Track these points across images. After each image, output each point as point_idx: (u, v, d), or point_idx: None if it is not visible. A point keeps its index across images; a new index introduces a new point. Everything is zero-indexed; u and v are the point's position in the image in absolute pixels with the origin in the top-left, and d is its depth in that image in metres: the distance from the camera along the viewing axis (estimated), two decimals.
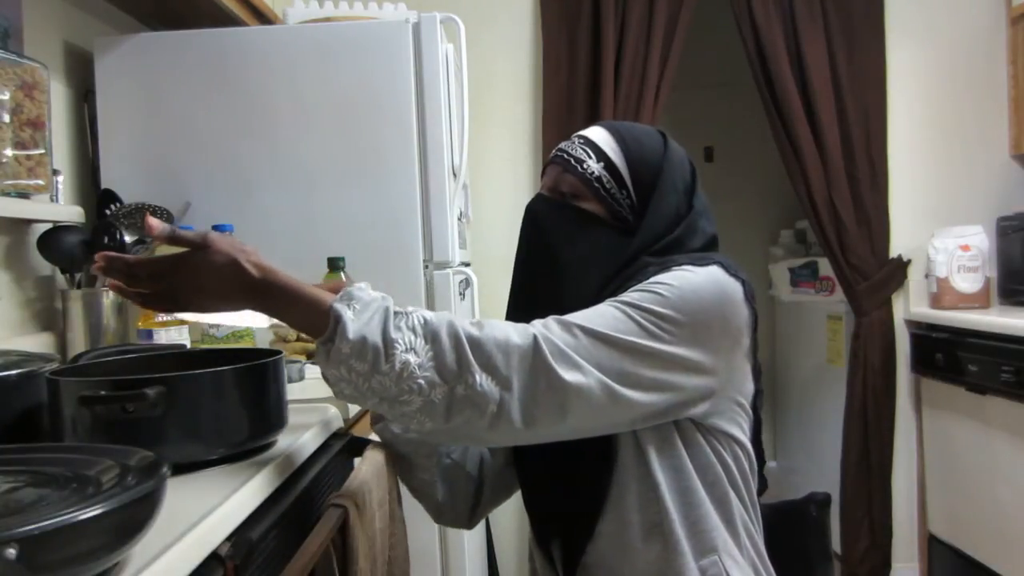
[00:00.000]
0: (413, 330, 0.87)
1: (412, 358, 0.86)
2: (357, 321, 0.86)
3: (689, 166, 1.13)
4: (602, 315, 0.95)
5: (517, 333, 0.91)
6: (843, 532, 2.79)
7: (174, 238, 0.88)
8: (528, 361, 0.89)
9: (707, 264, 1.02)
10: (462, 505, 1.20)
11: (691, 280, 0.99)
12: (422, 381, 0.86)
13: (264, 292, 0.87)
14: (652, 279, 1.00)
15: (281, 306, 0.89)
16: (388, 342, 0.86)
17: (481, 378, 0.87)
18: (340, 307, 0.86)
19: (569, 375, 0.90)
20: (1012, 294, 2.68)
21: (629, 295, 0.98)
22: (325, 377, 0.89)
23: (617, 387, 0.92)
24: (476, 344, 0.88)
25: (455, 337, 0.88)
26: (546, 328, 0.93)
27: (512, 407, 0.89)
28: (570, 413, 0.91)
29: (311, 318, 0.88)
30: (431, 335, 0.88)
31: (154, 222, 0.88)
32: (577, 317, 0.95)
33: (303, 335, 1.64)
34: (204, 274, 0.86)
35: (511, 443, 0.99)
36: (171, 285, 0.87)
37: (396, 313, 0.88)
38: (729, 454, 1.03)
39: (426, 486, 1.17)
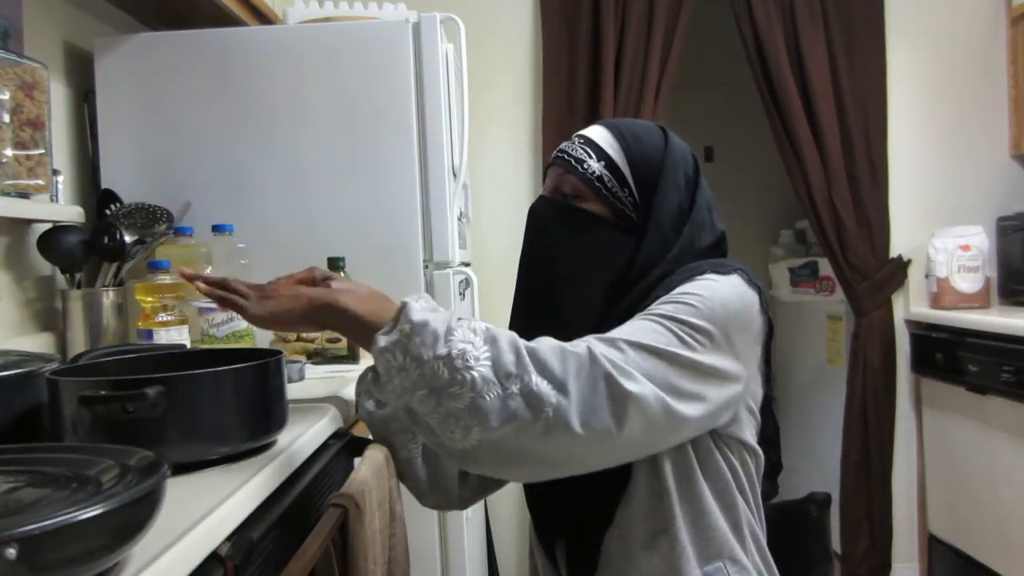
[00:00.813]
0: (474, 331, 0.88)
1: (470, 348, 0.86)
2: (423, 311, 0.88)
3: (692, 160, 1.12)
4: (642, 329, 0.94)
5: (571, 346, 0.90)
6: (843, 532, 2.79)
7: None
8: (586, 369, 0.88)
9: (729, 273, 1.02)
10: (449, 485, 1.18)
11: (718, 290, 0.98)
12: (476, 374, 0.85)
13: (352, 323, 0.94)
14: (679, 289, 0.99)
15: (354, 327, 0.94)
16: (448, 330, 0.87)
17: (537, 379, 0.86)
18: (409, 299, 0.90)
19: (628, 384, 0.88)
20: (1012, 294, 2.68)
21: (661, 307, 0.97)
22: (376, 374, 0.90)
23: (669, 399, 0.90)
24: (532, 351, 0.88)
25: (513, 342, 0.88)
26: (590, 346, 0.91)
27: (570, 412, 0.86)
28: (626, 424, 0.88)
29: (381, 311, 0.92)
30: (490, 338, 0.88)
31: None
32: (619, 333, 0.94)
33: (304, 335, 1.65)
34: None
35: (562, 462, 0.90)
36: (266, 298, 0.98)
37: (460, 318, 0.90)
38: (738, 459, 1.03)
39: (407, 465, 1.16)
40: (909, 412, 2.84)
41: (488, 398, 0.85)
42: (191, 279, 1.03)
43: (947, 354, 2.57)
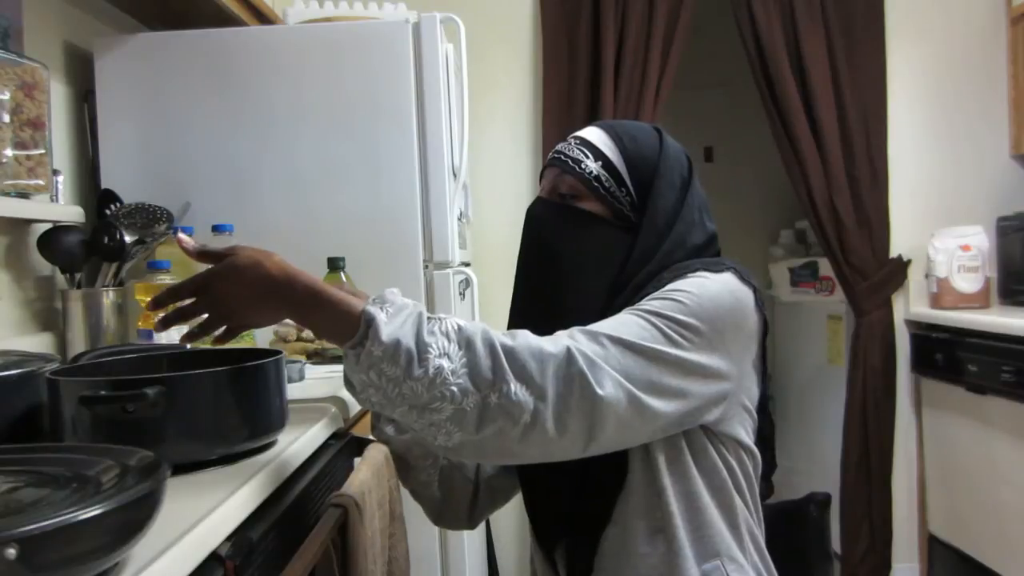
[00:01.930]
0: (447, 335, 0.85)
1: (446, 363, 0.84)
2: (391, 324, 0.84)
3: (687, 161, 1.13)
4: (626, 324, 0.94)
5: (550, 343, 0.89)
6: (843, 532, 2.79)
7: (204, 253, 0.92)
8: (563, 371, 0.87)
9: (722, 271, 1.02)
10: (461, 506, 1.20)
11: (708, 287, 0.98)
12: (455, 388, 0.84)
13: (287, 291, 0.87)
14: (670, 286, 0.99)
15: (307, 308, 0.88)
16: (422, 346, 0.83)
17: (516, 387, 0.85)
18: (373, 310, 0.85)
19: (600, 387, 0.88)
20: (1012, 294, 2.68)
21: (649, 303, 0.97)
22: (350, 383, 0.87)
23: (643, 397, 0.90)
24: (510, 353, 0.86)
25: (489, 345, 0.86)
26: (573, 339, 0.91)
27: (546, 417, 0.86)
28: (599, 425, 0.88)
29: (340, 321, 0.86)
30: (465, 341, 0.86)
31: (184, 237, 0.93)
32: (603, 327, 0.94)
33: (305, 335, 1.65)
34: (233, 279, 0.88)
35: (538, 458, 0.93)
36: (211, 297, 0.89)
37: (429, 318, 0.87)
38: (734, 458, 1.03)
39: (424, 488, 1.18)
40: (909, 412, 2.84)
41: (468, 408, 0.85)
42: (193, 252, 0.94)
43: (947, 354, 2.57)
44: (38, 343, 1.54)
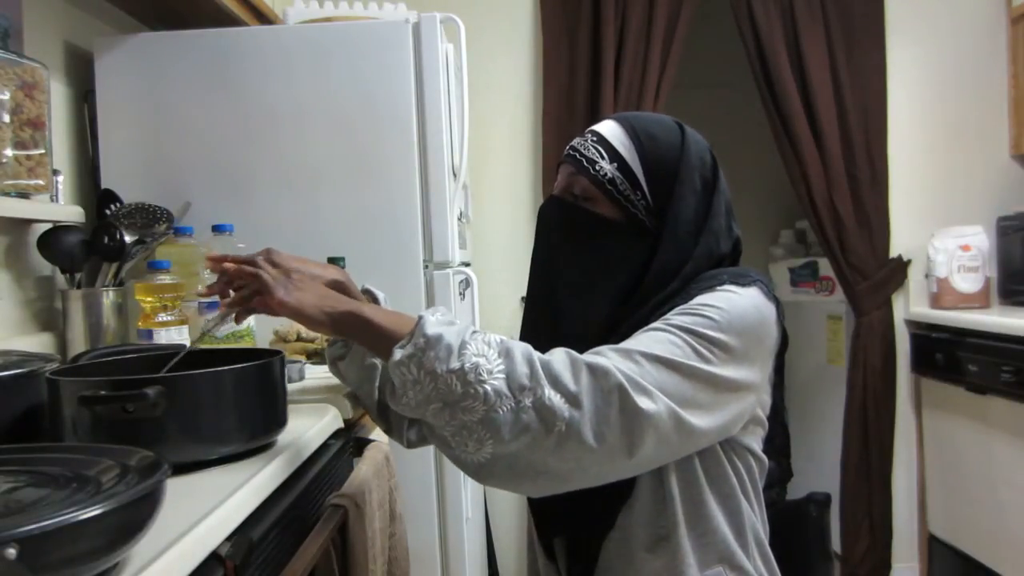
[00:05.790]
0: (488, 344, 0.88)
1: (483, 362, 0.86)
2: (438, 324, 0.89)
3: (710, 159, 1.09)
4: (658, 340, 0.93)
5: (585, 358, 0.90)
6: (843, 532, 2.79)
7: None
8: (599, 382, 0.87)
9: (748, 284, 1.01)
10: (400, 434, 1.20)
11: (737, 303, 0.97)
12: (488, 388, 0.85)
13: (345, 312, 0.95)
14: (697, 300, 0.98)
15: (358, 333, 0.95)
16: (462, 343, 0.87)
17: (550, 392, 0.86)
18: (425, 312, 0.90)
19: (641, 401, 0.87)
20: (1012, 294, 2.68)
21: (679, 318, 0.96)
22: (393, 386, 0.90)
23: (682, 413, 0.90)
24: (546, 364, 0.88)
25: (528, 355, 0.88)
26: (606, 357, 0.90)
27: (583, 425, 0.86)
28: (639, 439, 0.87)
29: (401, 324, 0.91)
30: (505, 351, 0.88)
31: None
32: (635, 344, 0.93)
33: (305, 335, 1.65)
34: (307, 273, 1.01)
35: (574, 477, 0.89)
36: (278, 265, 0.98)
37: (474, 331, 0.90)
38: (744, 466, 1.03)
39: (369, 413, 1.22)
40: (909, 412, 2.84)
41: (501, 412, 0.85)
42: (219, 260, 1.00)
43: (947, 354, 2.57)
44: (38, 343, 1.54)
